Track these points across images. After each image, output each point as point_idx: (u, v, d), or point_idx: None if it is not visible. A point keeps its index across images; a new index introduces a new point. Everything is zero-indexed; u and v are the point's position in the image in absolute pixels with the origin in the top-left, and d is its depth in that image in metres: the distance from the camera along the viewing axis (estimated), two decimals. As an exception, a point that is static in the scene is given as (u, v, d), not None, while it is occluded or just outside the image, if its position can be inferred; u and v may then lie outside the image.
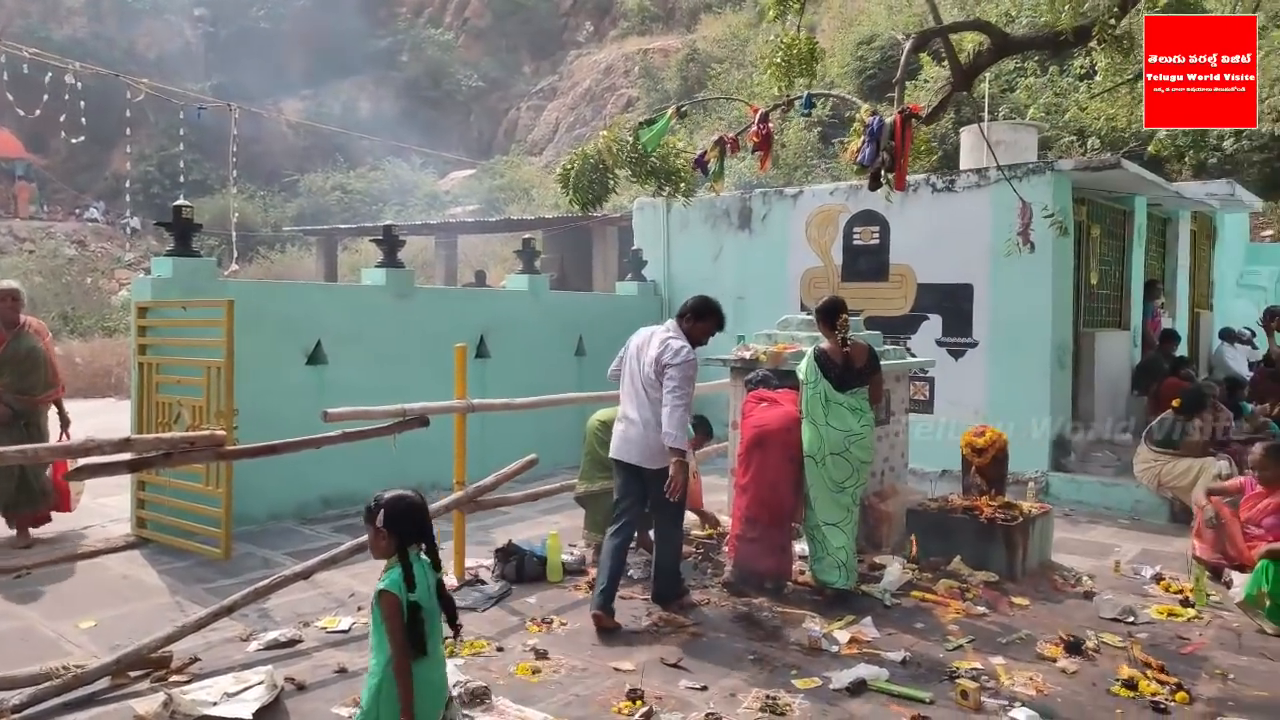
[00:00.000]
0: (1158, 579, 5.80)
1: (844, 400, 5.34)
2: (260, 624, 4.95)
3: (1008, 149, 9.46)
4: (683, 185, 6.04)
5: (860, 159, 4.92)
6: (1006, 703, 4.02)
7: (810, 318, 7.23)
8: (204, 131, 26.47)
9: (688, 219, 10.77)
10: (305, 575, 4.95)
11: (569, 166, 5.99)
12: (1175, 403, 7.44)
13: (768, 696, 4.03)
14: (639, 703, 3.93)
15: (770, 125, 5.60)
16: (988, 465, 6.33)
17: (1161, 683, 4.19)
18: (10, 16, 35.19)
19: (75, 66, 19.04)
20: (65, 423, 6.69)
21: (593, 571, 5.60)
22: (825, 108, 21.19)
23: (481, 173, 33.89)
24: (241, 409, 6.06)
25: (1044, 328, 8.29)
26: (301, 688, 4.16)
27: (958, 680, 4.15)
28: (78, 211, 32.49)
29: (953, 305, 8.87)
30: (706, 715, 3.83)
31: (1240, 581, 5.29)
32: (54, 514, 6.72)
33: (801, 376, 5.49)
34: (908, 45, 5.66)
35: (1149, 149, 11.82)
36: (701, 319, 5.07)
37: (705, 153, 5.86)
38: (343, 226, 21.22)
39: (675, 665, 4.41)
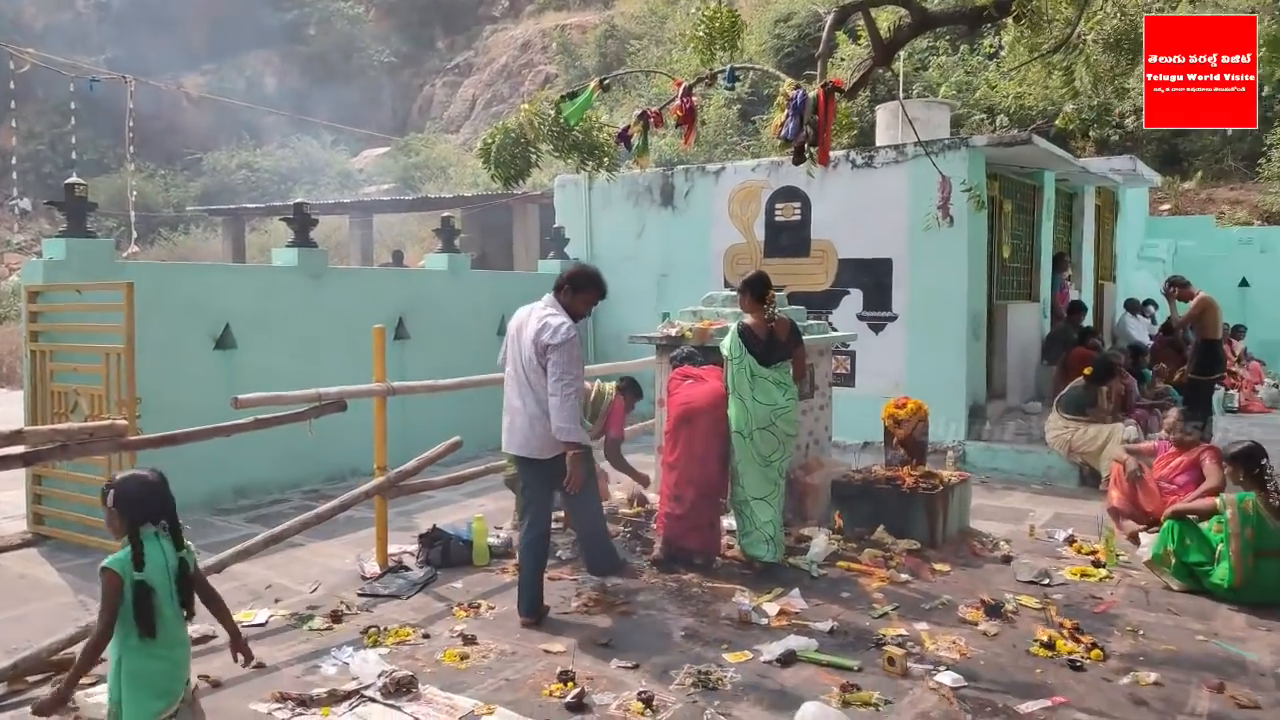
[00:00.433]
0: (1070, 541, 6.00)
1: (769, 374, 5.35)
2: (171, 620, 4.72)
3: (922, 126, 9.58)
4: (606, 160, 5.93)
5: (784, 133, 4.89)
6: (931, 667, 4.10)
7: (734, 294, 7.25)
8: (98, 107, 25.10)
9: (610, 196, 10.67)
10: (217, 569, 4.74)
11: (490, 141, 5.81)
12: (1086, 371, 7.70)
13: (700, 671, 4.02)
14: (570, 684, 3.87)
15: (694, 99, 5.53)
16: (909, 436, 6.45)
17: (1077, 641, 4.33)
18: (-123, -18, 32.84)
19: (-48, 37, 17.79)
20: (-49, 415, 6.27)
21: None
22: (745, 85, 21.25)
23: (396, 151, 33.04)
24: (144, 397, 5.76)
25: (960, 301, 8.48)
26: (217, 685, 3.99)
27: (884, 647, 4.21)
28: (-40, 193, 30.62)
29: (873, 280, 9.00)
30: (639, 693, 3.80)
31: (1148, 542, 5.51)
32: (-59, 513, 6.31)
33: (726, 352, 5.48)
34: (830, 19, 5.65)
35: (1056, 123, 12.12)
36: (580, 290, 4.68)
37: (629, 127, 5.75)
38: (250, 206, 20.40)
39: (606, 645, 4.37)
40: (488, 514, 6.13)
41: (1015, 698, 3.82)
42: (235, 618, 4.69)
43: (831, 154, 9.22)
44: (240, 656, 3.30)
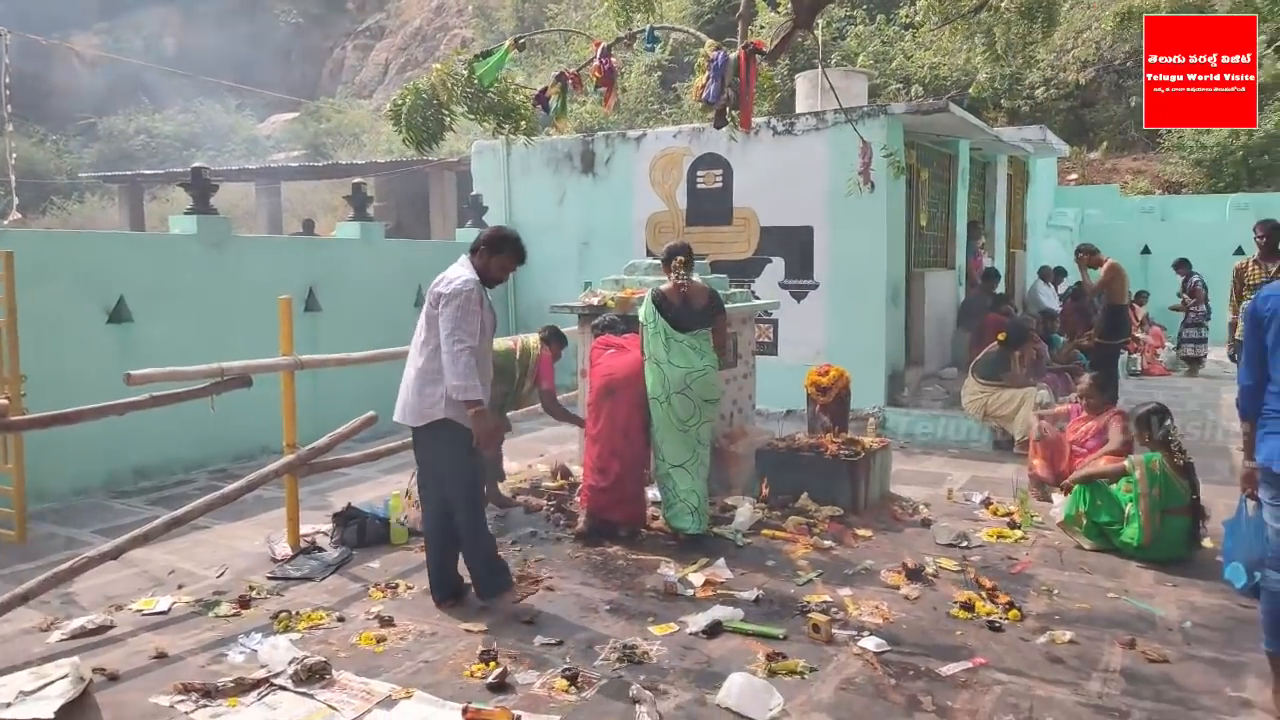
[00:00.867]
0: (986, 504, 6.12)
1: (684, 339, 5.28)
2: (64, 611, 4.44)
3: (840, 95, 9.54)
4: (523, 124, 5.74)
5: (705, 96, 4.79)
6: (855, 632, 4.11)
7: (655, 261, 7.15)
8: (-26, 65, 23.49)
9: (529, 163, 10.43)
10: (114, 555, 4.46)
11: (400, 102, 5.56)
12: (1001, 336, 7.85)
13: (625, 646, 3.94)
14: (492, 664, 3.76)
15: (613, 61, 5.37)
16: (831, 403, 6.48)
17: (995, 602, 4.40)
18: None
19: None
20: None
21: None
22: (666, 50, 21.06)
23: (306, 116, 31.87)
24: (30, 374, 5.40)
25: (879, 268, 8.55)
26: (114, 678, 3.75)
27: (809, 614, 4.21)
28: None
29: (794, 248, 9.01)
30: (563, 670, 3.71)
31: (1060, 503, 5.65)
32: None
33: (641, 319, 5.40)
34: (749, -21, 5.55)
35: (970, 92, 12.35)
36: (498, 252, 4.34)
37: (546, 89, 5.57)
38: (148, 172, 19.37)
39: (529, 622, 4.27)
40: (405, 491, 5.94)
41: (937, 660, 3.86)
42: (135, 606, 4.48)
43: (753, 120, 9.22)
44: None
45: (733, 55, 4.72)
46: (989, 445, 7.93)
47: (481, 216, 10.31)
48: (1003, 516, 5.86)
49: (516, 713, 3.37)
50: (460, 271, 4.28)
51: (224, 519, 5.79)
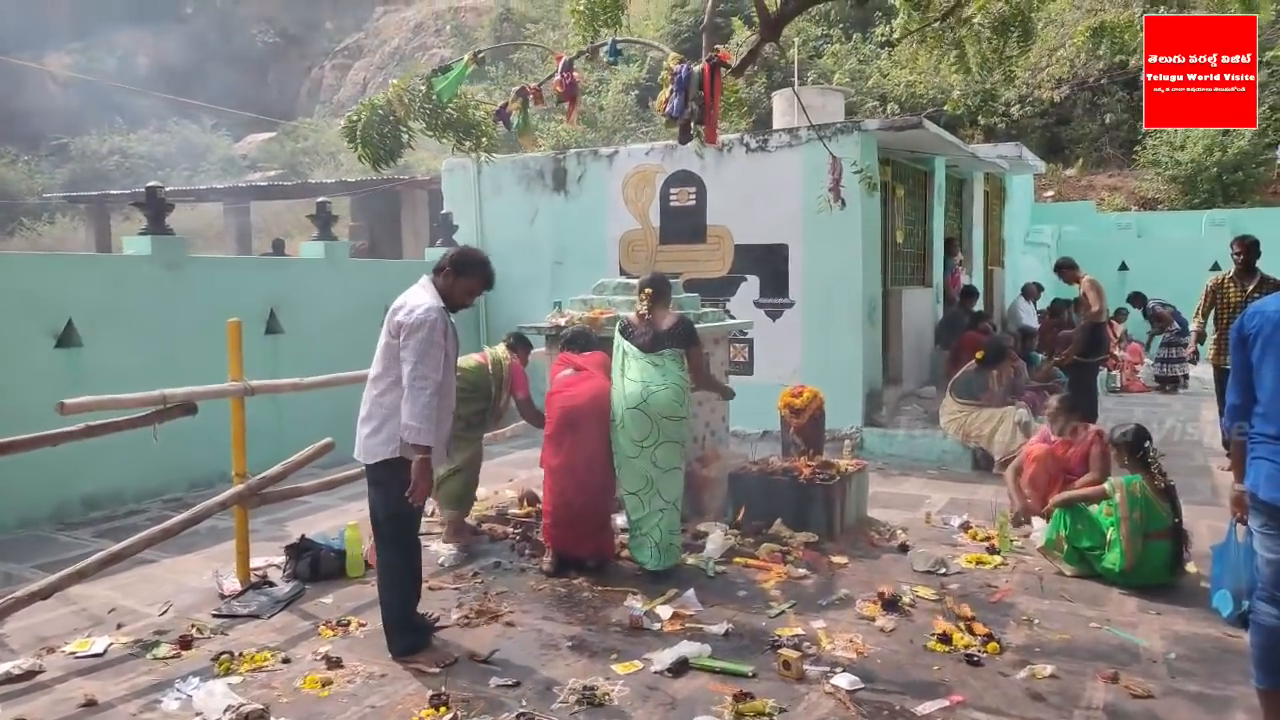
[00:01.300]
0: (965, 527, 5.96)
1: (647, 357, 5.11)
2: (-9, 655, 4.19)
3: (816, 113, 9.51)
4: (484, 140, 5.56)
5: (669, 110, 4.64)
6: (828, 669, 3.92)
7: (626, 281, 6.98)
8: (-58, 85, 23.22)
9: (500, 181, 10.26)
10: (46, 594, 4.22)
11: (355, 118, 5.38)
12: (978, 355, 7.73)
13: (585, 687, 3.74)
14: (443, 709, 3.54)
15: (575, 74, 5.21)
16: (806, 425, 6.32)
17: (974, 633, 4.22)
18: None
19: None
20: None
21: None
22: (643, 68, 21.04)
23: (283, 135, 31.69)
24: (-33, 402, 5.14)
25: (855, 286, 8.42)
26: (37, 730, 3.50)
27: (780, 650, 4.01)
28: None
29: (769, 266, 8.87)
30: (518, 715, 3.50)
31: (1040, 526, 5.49)
32: None
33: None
34: (714, -9, 5.42)
35: (946, 108, 12.32)
36: (463, 274, 4.06)
37: (507, 104, 5.40)
38: (115, 192, 19.04)
39: (485, 661, 4.05)
40: (364, 521, 5.69)
41: (912, 698, 3.67)
42: (69, 648, 4.23)
43: (724, 137, 9.09)
44: None
45: (697, 69, 4.57)
46: (968, 465, 7.77)
47: (452, 235, 10.11)
48: (982, 541, 5.69)
49: (464, 764, 3.16)
50: (423, 298, 4.00)
51: (172, 551, 5.54)
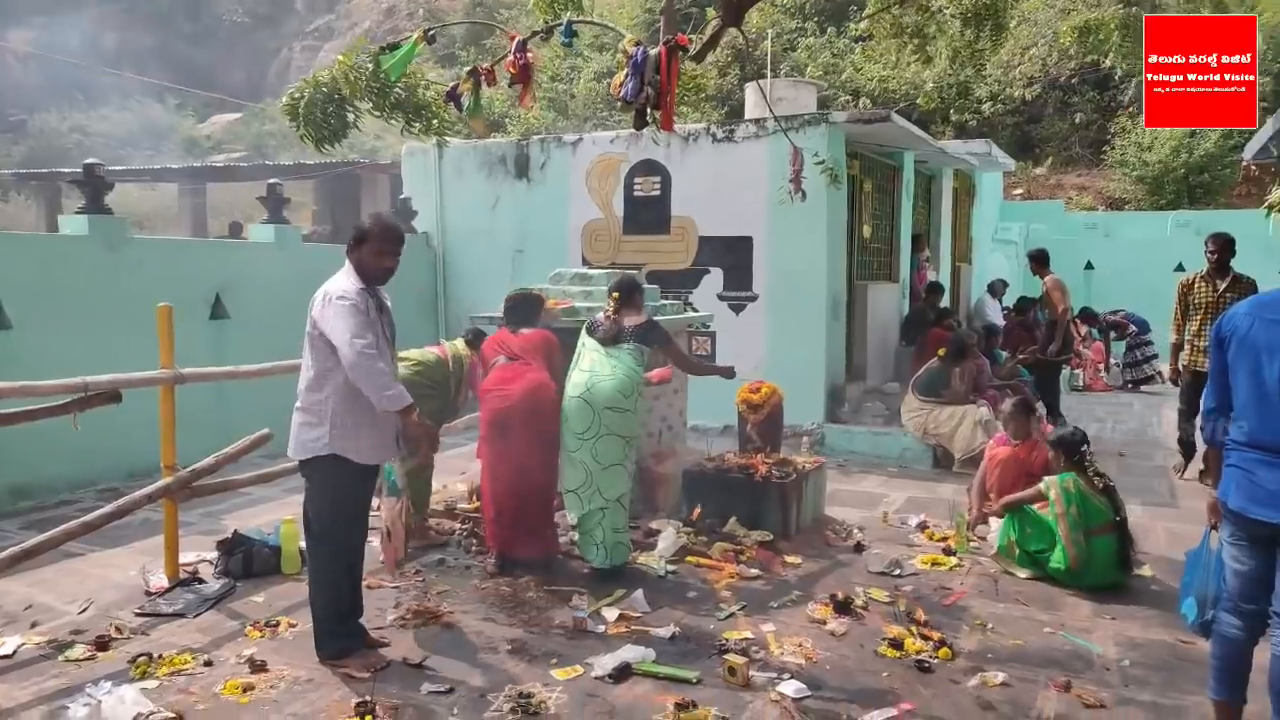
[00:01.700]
0: (923, 527, 5.86)
1: (605, 350, 4.95)
2: (-108, 657, 3.95)
3: (788, 105, 9.39)
4: (435, 122, 5.36)
5: (623, 93, 4.47)
6: (775, 675, 3.78)
7: (583, 271, 6.81)
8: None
9: (462, 166, 10.03)
10: (-48, 592, 3.98)
11: (297, 95, 5.16)
12: (941, 352, 7.63)
13: (520, 694, 3.58)
14: (368, 718, 3.36)
15: (530, 55, 5.02)
16: (763, 421, 6.19)
17: (926, 638, 4.11)
18: None
19: None
20: None
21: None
22: (615, 57, 20.77)
23: (250, 117, 31.09)
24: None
25: (820, 280, 8.30)
26: (-69, 739, 3.28)
27: (727, 655, 3.87)
28: None
29: (734, 258, 8.73)
30: (448, 724, 3.34)
31: (996, 527, 5.39)
32: None
33: None
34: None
35: (919, 102, 12.21)
36: (361, 241, 3.79)
37: (458, 84, 5.20)
38: (65, 170, 18.48)
39: (419, 665, 3.87)
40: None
41: (860, 707, 3.55)
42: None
43: (690, 126, 8.92)
44: None
45: (653, 52, 4.40)
46: (929, 464, 7.69)
47: (411, 221, 9.88)
48: (938, 541, 5.59)
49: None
50: (338, 283, 3.78)
51: (100, 545, 5.31)
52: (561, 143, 9.61)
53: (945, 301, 10.87)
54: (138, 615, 4.41)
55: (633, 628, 4.28)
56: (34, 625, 4.29)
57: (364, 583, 4.63)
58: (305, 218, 18.80)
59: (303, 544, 4.96)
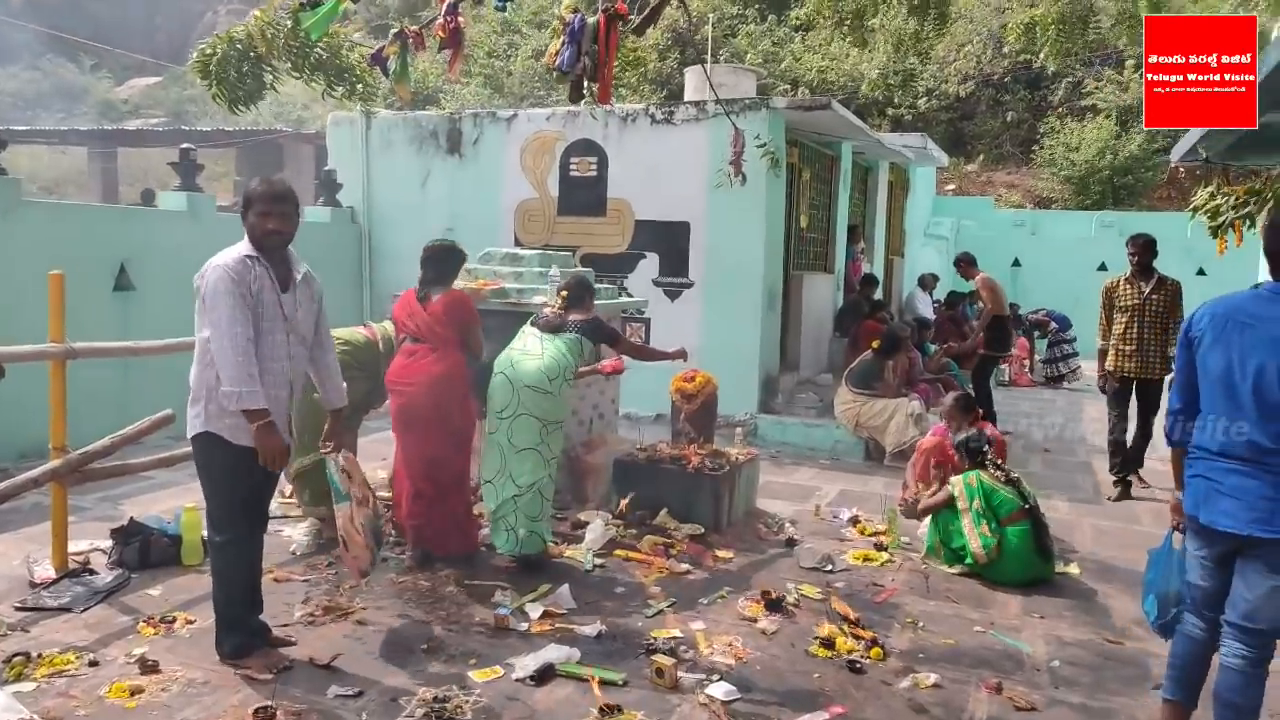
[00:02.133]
0: (854, 521, 5.79)
1: (543, 334, 4.76)
2: None
3: (728, 91, 9.23)
4: (359, 87, 5.05)
5: (559, 63, 4.25)
6: (704, 676, 3.64)
7: (514, 251, 6.58)
8: None
9: (391, 139, 9.64)
10: None
11: (210, 52, 4.80)
12: (875, 344, 7.60)
13: (435, 698, 3.36)
14: (267, 725, 3.12)
15: (461, 19, 4.75)
16: (697, 411, 6.04)
17: (857, 638, 4.02)
18: None
19: None
20: None
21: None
22: (551, 34, 20.37)
23: (170, 81, 29.80)
24: None
25: (757, 269, 8.19)
26: None
27: (654, 656, 3.71)
28: None
29: (670, 244, 8.56)
30: (355, 732, 3.11)
31: (928, 523, 5.36)
32: None
33: None
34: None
35: (862, 89, 12.24)
36: (248, 207, 3.48)
37: (384, 48, 4.90)
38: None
39: (327, 666, 3.62)
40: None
41: (790, 710, 3.43)
42: None
43: (630, 107, 8.71)
44: None
45: (591, 20, 4.19)
46: (861, 456, 7.66)
47: (335, 194, 9.47)
48: (870, 536, 5.54)
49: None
50: (221, 255, 3.45)
51: (-19, 532, 4.90)
52: (496, 118, 9.30)
53: (879, 294, 10.90)
54: (18, 610, 4.06)
55: (557, 625, 4.10)
56: (-106, 621, 3.91)
57: (271, 575, 4.41)
58: (226, 189, 18.04)
59: (205, 533, 4.68)
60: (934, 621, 4.31)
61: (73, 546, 4.63)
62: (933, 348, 9.67)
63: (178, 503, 5.50)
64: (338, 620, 4.07)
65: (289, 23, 4.75)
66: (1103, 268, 14.72)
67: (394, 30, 4.86)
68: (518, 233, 9.14)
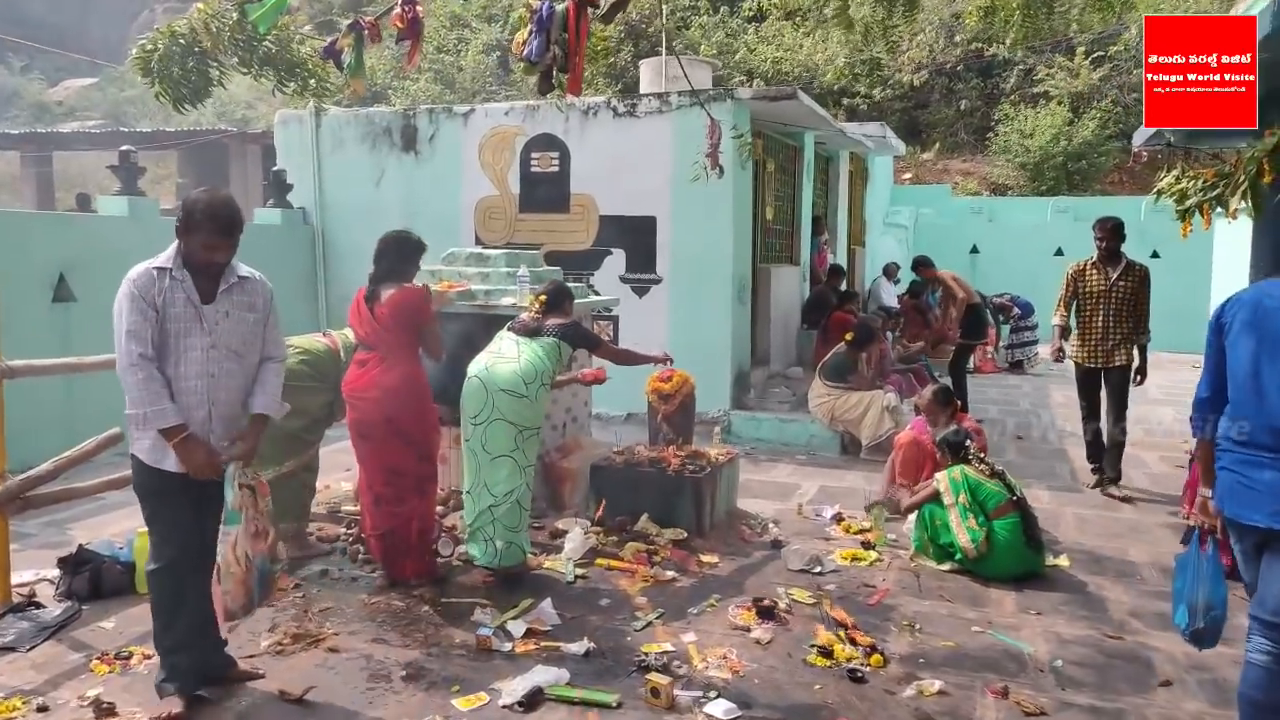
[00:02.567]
0: (838, 519, 5.67)
1: (519, 338, 4.57)
2: None
3: (682, 85, 9.05)
4: (311, 82, 4.79)
5: (526, 53, 4.03)
6: (701, 693, 3.47)
7: (479, 251, 6.35)
8: None
9: (342, 137, 9.31)
10: None
11: (151, 48, 4.50)
12: (847, 336, 7.49)
13: (419, 731, 3.16)
14: (238, 772, 2.88)
15: (420, 8, 4.51)
16: (675, 411, 5.87)
17: (855, 644, 3.88)
18: None
19: None
20: None
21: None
22: (505, 28, 20.06)
23: (106, 82, 28.87)
24: None
25: (725, 263, 8.04)
26: None
27: (648, 675, 3.53)
28: None
29: (637, 239, 8.37)
30: (335, 774, 2.89)
31: (913, 520, 5.25)
32: None
33: None
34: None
35: (827, 77, 12.11)
36: (189, 231, 3.16)
37: (337, 40, 4.64)
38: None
39: (299, 700, 3.39)
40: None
41: (795, 727, 3.28)
42: None
43: (592, 100, 8.50)
44: None
45: (560, 7, 3.98)
46: (837, 450, 7.55)
47: (285, 195, 9.12)
48: (855, 534, 5.41)
49: None
50: (140, 264, 3.18)
51: (-86, 567, 4.54)
52: (452, 113, 9.02)
53: (843, 284, 10.83)
54: (-44, 652, 3.76)
55: (543, 644, 3.90)
56: None
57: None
58: (168, 192, 17.44)
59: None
60: (931, 623, 4.19)
61: (16, 578, 4.33)
62: (895, 336, 9.63)
63: (130, 525, 5.19)
64: (308, 648, 3.83)
65: (235, 15, 4.47)
66: (1059, 253, 14.84)
67: (348, 22, 4.61)
68: (479, 231, 8.88)
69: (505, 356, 4.48)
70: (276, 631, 3.96)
